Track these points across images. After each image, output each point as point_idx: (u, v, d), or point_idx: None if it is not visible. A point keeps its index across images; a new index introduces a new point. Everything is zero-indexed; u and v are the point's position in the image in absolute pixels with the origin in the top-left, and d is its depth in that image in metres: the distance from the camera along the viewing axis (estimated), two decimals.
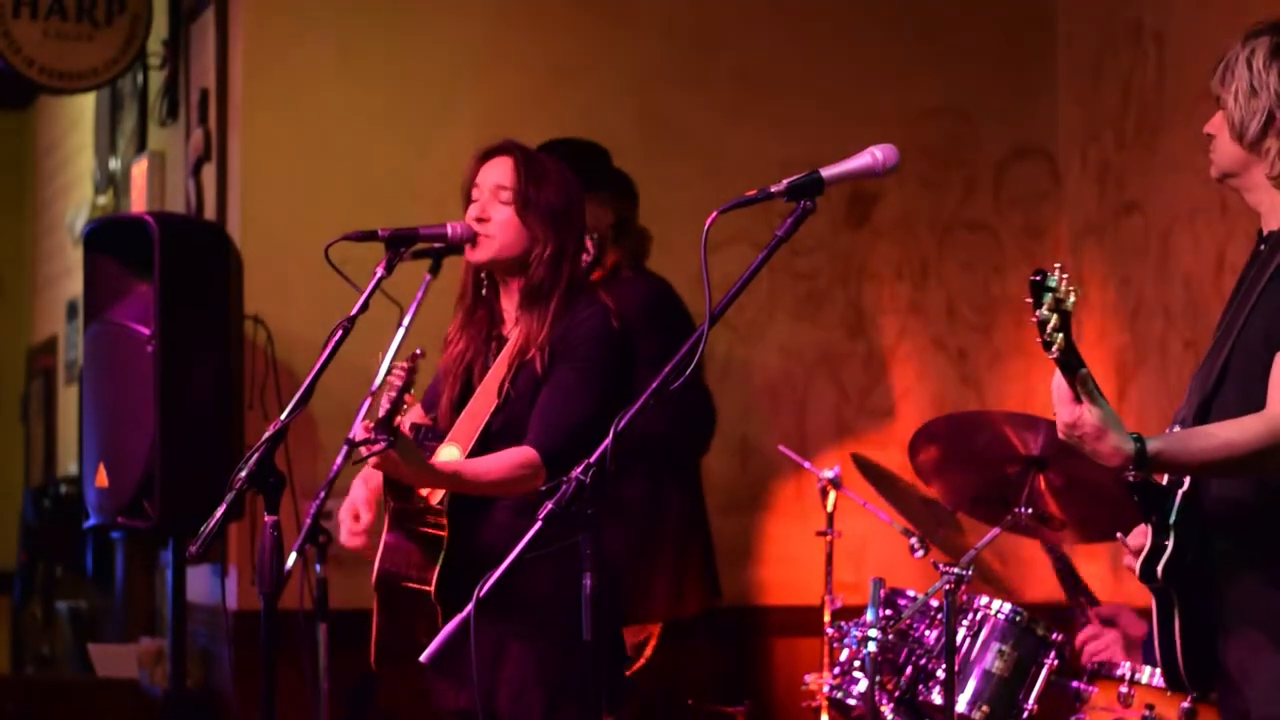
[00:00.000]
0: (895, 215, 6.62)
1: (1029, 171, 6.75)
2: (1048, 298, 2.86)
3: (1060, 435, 2.99)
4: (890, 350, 6.60)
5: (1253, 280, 3.20)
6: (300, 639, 4.72)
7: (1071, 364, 2.91)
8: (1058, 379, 2.94)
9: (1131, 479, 3.04)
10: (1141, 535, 3.21)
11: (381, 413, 3.49)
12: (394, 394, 3.46)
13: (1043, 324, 2.87)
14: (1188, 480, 3.16)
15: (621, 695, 3.83)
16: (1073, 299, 2.88)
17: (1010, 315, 6.68)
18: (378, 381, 4.58)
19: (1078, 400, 2.93)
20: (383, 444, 3.52)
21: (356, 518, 3.92)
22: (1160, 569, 3.11)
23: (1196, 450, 3.05)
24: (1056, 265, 2.88)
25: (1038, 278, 2.86)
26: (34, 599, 9.07)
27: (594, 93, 6.35)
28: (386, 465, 3.59)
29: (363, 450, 3.53)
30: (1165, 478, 3.18)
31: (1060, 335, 2.88)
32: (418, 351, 3.49)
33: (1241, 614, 3.14)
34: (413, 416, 3.97)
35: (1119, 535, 3.27)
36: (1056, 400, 2.96)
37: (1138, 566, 3.15)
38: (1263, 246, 3.23)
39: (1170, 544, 3.11)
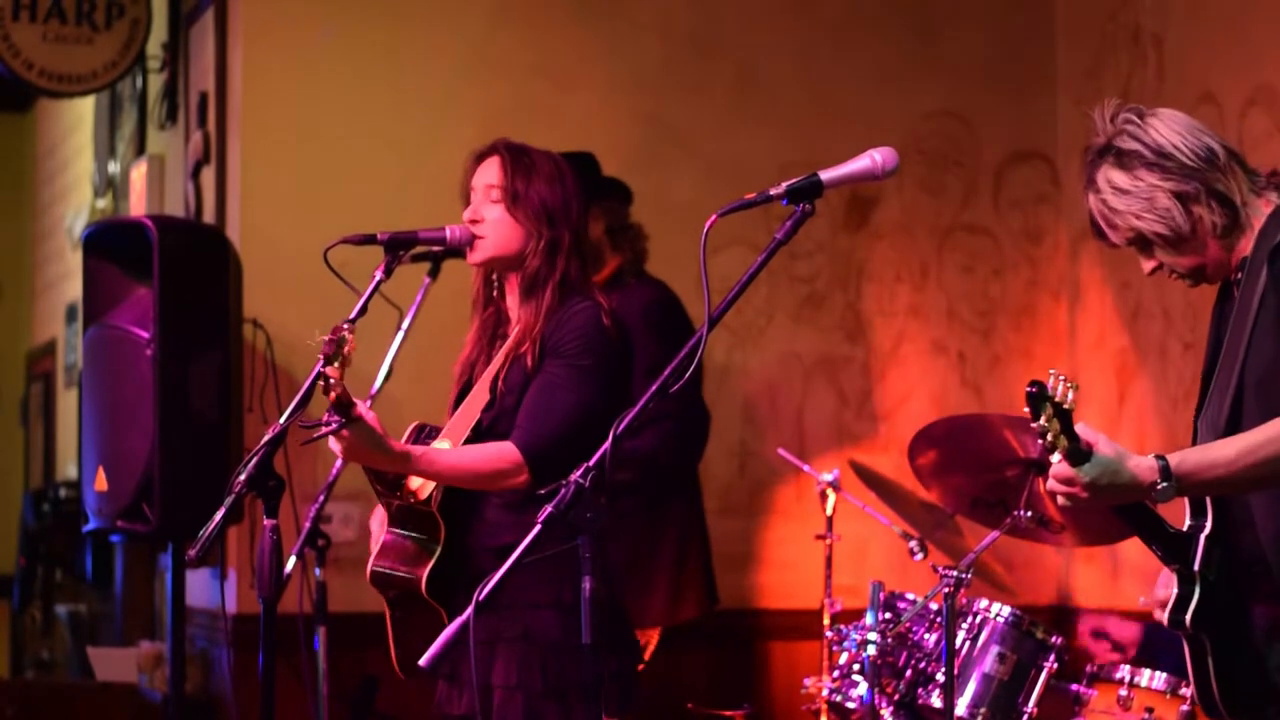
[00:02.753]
0: (894, 218, 6.62)
1: (1028, 174, 6.75)
2: (1045, 407, 2.87)
3: (1085, 498, 2.97)
4: (889, 353, 6.60)
5: (1242, 304, 3.18)
6: (300, 642, 4.72)
7: (1079, 459, 2.93)
8: (1060, 468, 2.95)
9: (1159, 495, 2.99)
10: (1164, 587, 3.20)
11: (332, 397, 3.44)
12: (319, 370, 3.40)
13: (1043, 433, 2.89)
14: (1209, 524, 3.14)
15: (630, 696, 3.82)
16: (1072, 397, 2.89)
17: (1009, 318, 6.69)
18: (376, 385, 4.59)
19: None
20: (334, 425, 3.50)
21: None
22: (1189, 617, 3.11)
23: (1219, 456, 3.02)
24: (1052, 371, 2.89)
25: (1034, 389, 2.86)
26: (33, 603, 9.06)
27: (593, 96, 6.35)
28: (344, 447, 3.57)
29: (313, 433, 3.51)
30: (1185, 523, 3.17)
31: (1063, 439, 2.89)
32: (344, 325, 3.41)
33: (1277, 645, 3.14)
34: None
35: (1141, 600, 3.28)
36: (1062, 481, 2.97)
37: (1165, 616, 3.14)
38: (1239, 274, 3.21)
39: (1197, 590, 3.11)
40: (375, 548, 3.92)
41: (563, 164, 3.92)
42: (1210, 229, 3.16)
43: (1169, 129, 3.19)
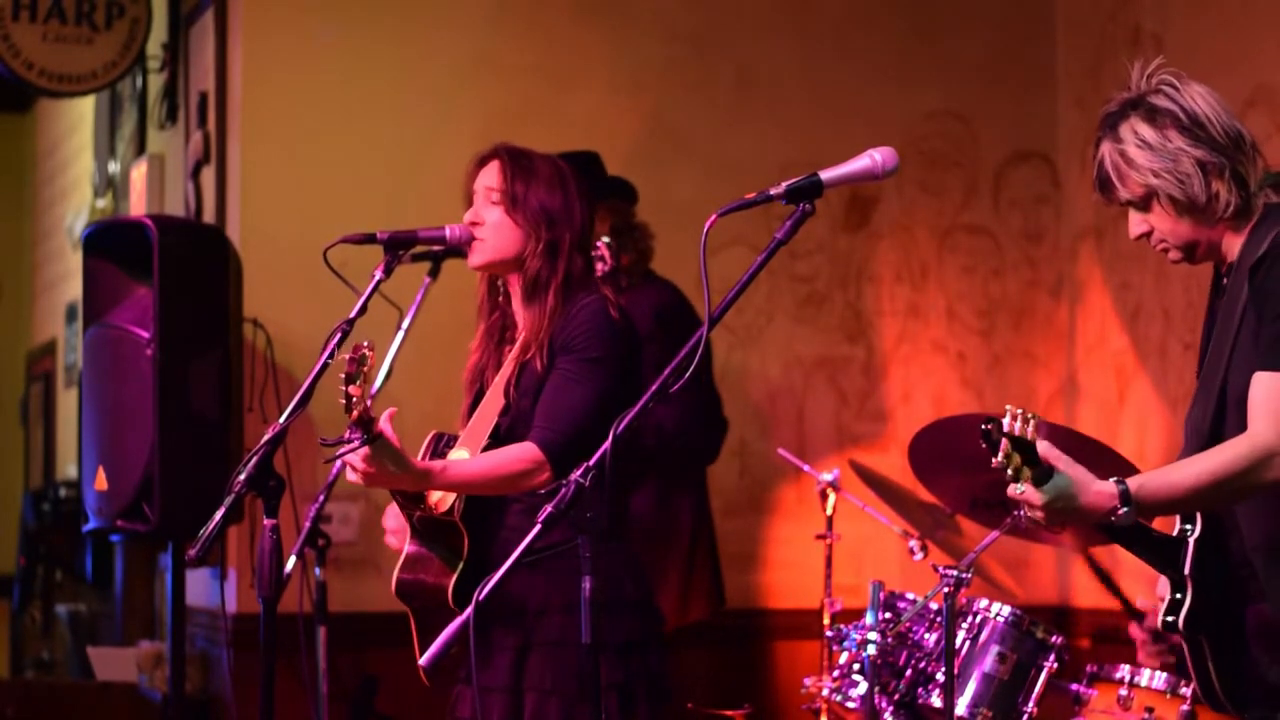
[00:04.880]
0: (894, 218, 6.63)
1: (1028, 175, 6.75)
2: (1002, 443, 2.89)
3: (1042, 519, 2.99)
4: (889, 353, 6.60)
5: (1227, 311, 3.19)
6: (300, 642, 4.73)
7: (1043, 481, 2.95)
8: (1012, 491, 2.96)
9: (1120, 519, 3.01)
10: (1165, 588, 3.22)
11: (354, 416, 3.45)
12: (342, 389, 3.42)
13: (1004, 469, 2.92)
14: (1199, 527, 3.15)
15: (665, 694, 3.85)
16: (1033, 426, 2.90)
17: (1009, 318, 6.69)
18: (377, 385, 4.59)
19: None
20: (356, 442, 3.50)
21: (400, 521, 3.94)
22: (1181, 621, 3.12)
23: (1179, 480, 3.04)
24: (1008, 407, 2.91)
25: (988, 428, 2.89)
26: (33, 603, 9.05)
27: (593, 96, 6.35)
28: (365, 474, 3.57)
29: (338, 450, 3.52)
30: (1176, 528, 3.17)
31: (1026, 470, 2.92)
32: (365, 343, 3.42)
33: (1273, 644, 3.14)
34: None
35: (1140, 601, 3.30)
36: (1026, 500, 2.98)
37: (1159, 620, 3.16)
38: (1225, 280, 3.22)
39: (1189, 595, 3.11)
40: (392, 541, 3.93)
41: (564, 167, 3.93)
42: (1223, 207, 3.16)
43: (1205, 101, 3.19)
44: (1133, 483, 2.99)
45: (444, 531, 3.78)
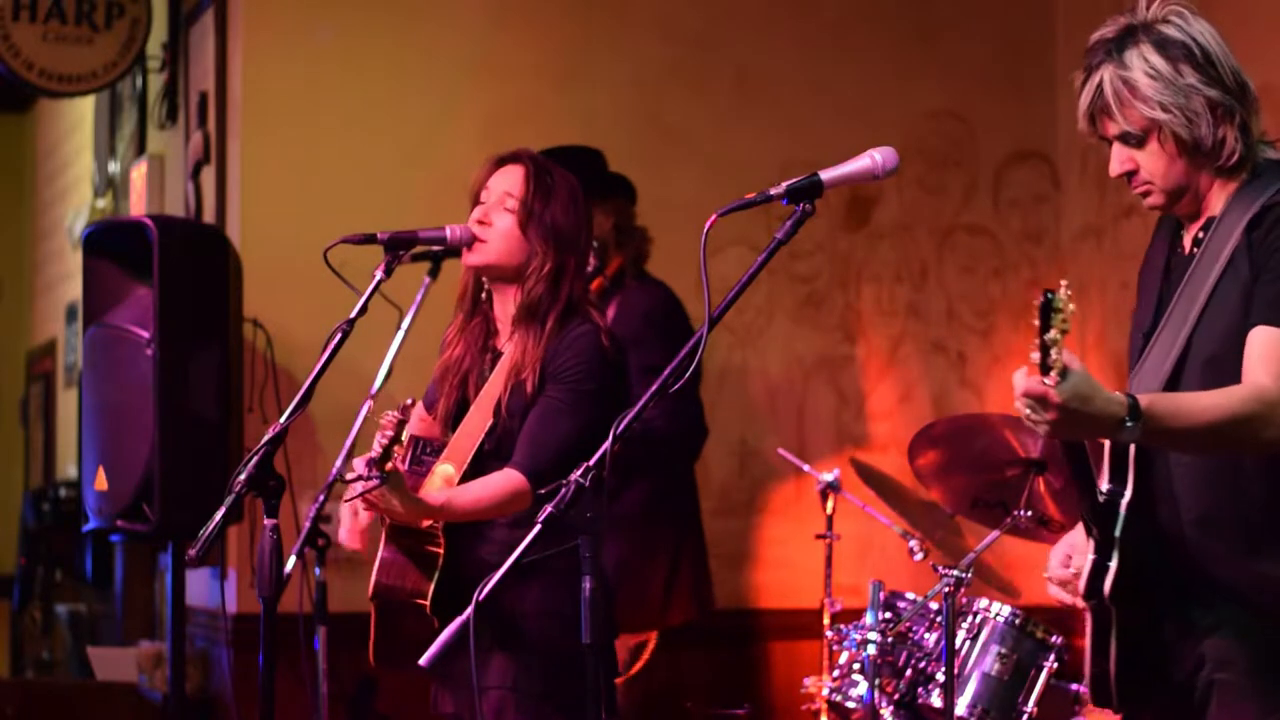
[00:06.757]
0: (894, 218, 6.63)
1: (1028, 174, 6.76)
2: (1056, 319, 2.65)
3: (1051, 421, 2.74)
4: (889, 353, 6.60)
5: (1201, 268, 3.01)
6: (300, 642, 4.72)
7: (1062, 379, 2.72)
8: (1030, 383, 2.71)
9: (1125, 435, 2.80)
10: (1059, 560, 3.08)
11: (376, 453, 3.49)
12: (385, 442, 3.46)
13: (1048, 346, 2.66)
14: (1129, 492, 2.97)
15: (610, 702, 3.84)
16: (1071, 310, 2.67)
17: (1009, 318, 6.69)
18: (376, 385, 4.59)
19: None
20: (375, 481, 3.53)
21: (356, 514, 3.92)
22: (1108, 587, 2.93)
23: (1187, 408, 2.84)
24: (1063, 282, 2.68)
25: (1048, 298, 2.64)
26: (33, 603, 9.06)
27: (594, 95, 6.35)
28: (379, 501, 3.60)
29: (356, 487, 3.54)
30: (1104, 483, 3.00)
31: (1060, 359, 2.68)
32: (408, 401, 3.47)
33: (1191, 630, 2.99)
34: (417, 415, 3.97)
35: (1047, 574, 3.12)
36: (1034, 396, 2.72)
37: (1082, 584, 2.96)
38: (1201, 235, 3.04)
39: (1115, 560, 2.93)
40: (346, 529, 3.92)
41: (579, 190, 3.88)
42: (1228, 154, 2.98)
43: (1215, 39, 3.00)
44: (1142, 399, 2.82)
45: (419, 538, 3.78)
